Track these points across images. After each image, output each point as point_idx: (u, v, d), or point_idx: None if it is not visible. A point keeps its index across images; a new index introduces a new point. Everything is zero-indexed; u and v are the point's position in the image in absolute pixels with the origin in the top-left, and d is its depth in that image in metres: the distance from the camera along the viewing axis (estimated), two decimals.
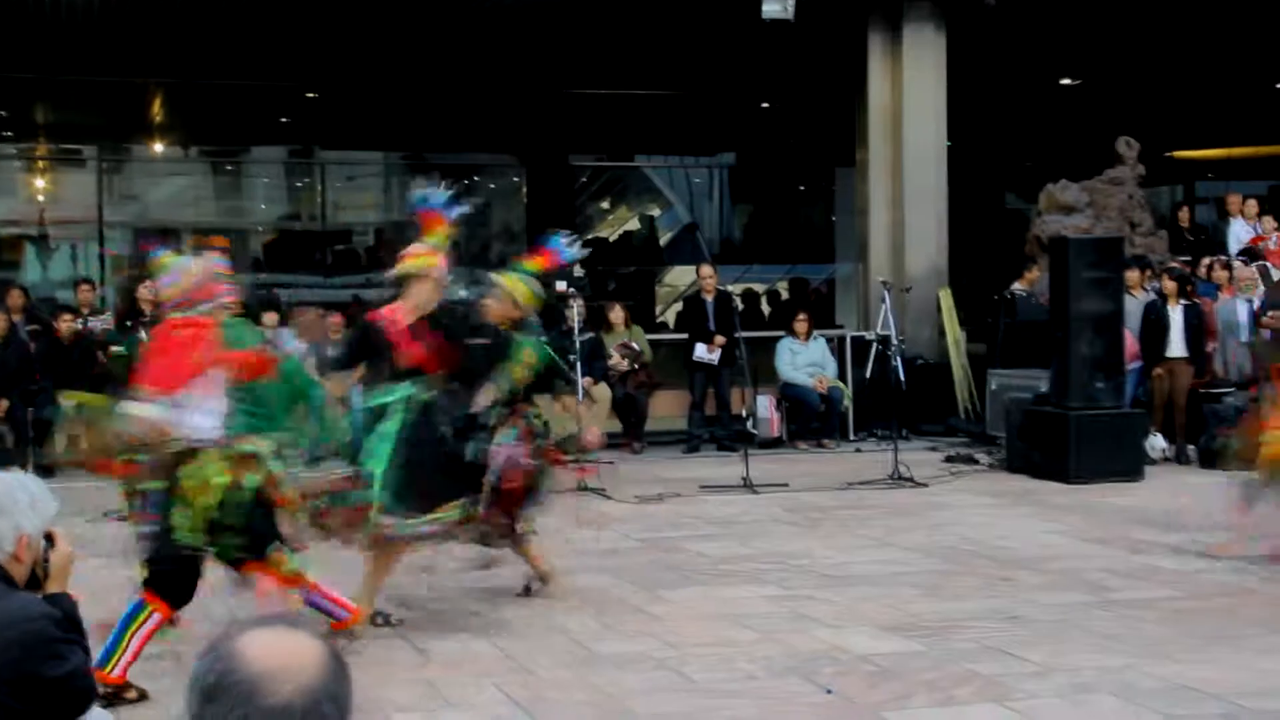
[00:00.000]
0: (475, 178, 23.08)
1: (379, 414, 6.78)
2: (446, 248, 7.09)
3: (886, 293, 12.91)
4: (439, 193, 7.14)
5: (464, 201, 7.43)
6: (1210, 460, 11.17)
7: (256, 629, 1.93)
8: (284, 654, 1.90)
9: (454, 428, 6.90)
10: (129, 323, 11.55)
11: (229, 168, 21.38)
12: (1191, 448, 12.30)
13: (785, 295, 20.30)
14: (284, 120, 20.30)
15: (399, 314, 6.92)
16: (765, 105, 21.09)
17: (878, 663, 6.04)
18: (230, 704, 1.87)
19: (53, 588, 3.54)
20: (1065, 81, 20.24)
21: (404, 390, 6.78)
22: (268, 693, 1.87)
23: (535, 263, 7.72)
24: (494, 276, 7.60)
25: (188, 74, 17.26)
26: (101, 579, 5.86)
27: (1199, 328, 12.66)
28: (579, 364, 11.27)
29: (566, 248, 7.89)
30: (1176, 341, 12.56)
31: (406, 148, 21.31)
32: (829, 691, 5.62)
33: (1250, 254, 14.11)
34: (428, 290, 6.93)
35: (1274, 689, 5.61)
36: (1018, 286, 14.78)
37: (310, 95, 19.11)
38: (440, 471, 6.71)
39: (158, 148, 20.27)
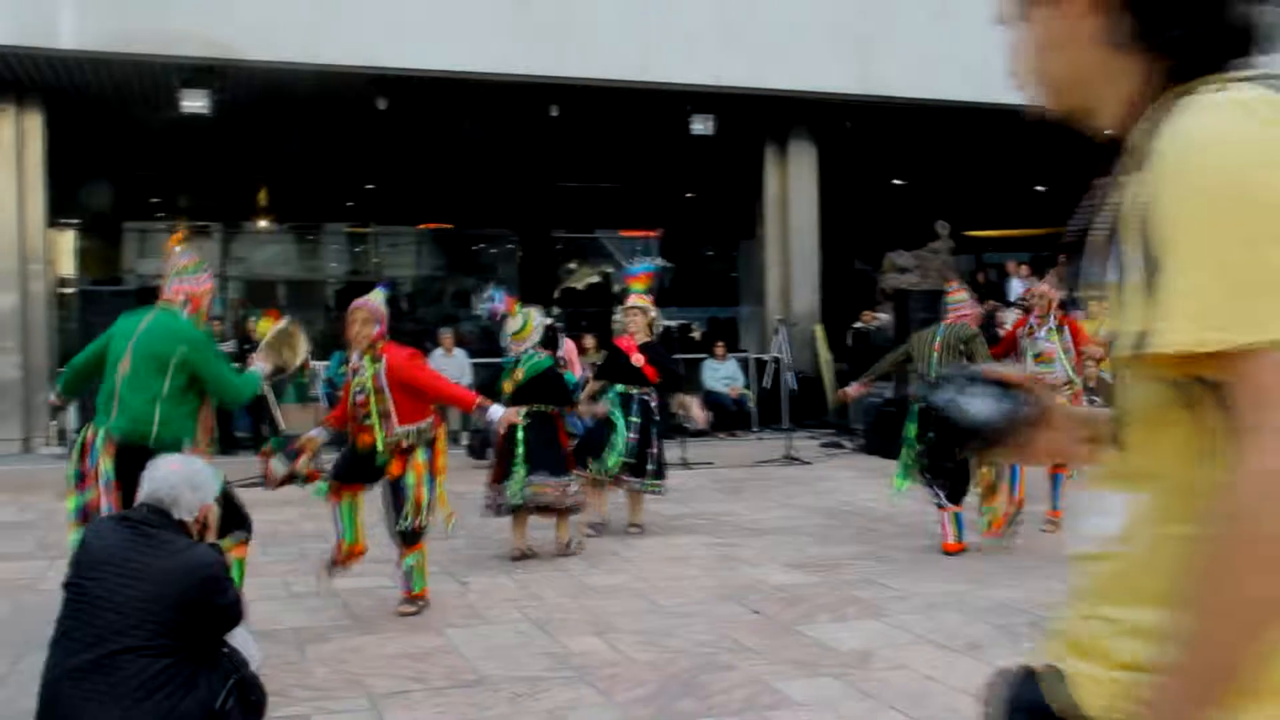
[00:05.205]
0: (482, 244, 22.94)
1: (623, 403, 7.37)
2: (651, 295, 7.60)
3: (783, 328, 12.89)
4: (641, 262, 7.85)
5: (656, 262, 7.90)
6: None
7: None
8: None
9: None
10: (245, 347, 11.33)
11: (309, 237, 21.16)
12: None
13: (705, 329, 20.32)
14: (349, 204, 20.13)
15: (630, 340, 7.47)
16: (689, 195, 21.12)
17: (789, 591, 6.01)
18: None
19: (210, 539, 3.43)
20: (897, 181, 20.45)
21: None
22: None
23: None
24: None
25: (287, 171, 17.05)
26: None
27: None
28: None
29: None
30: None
31: (435, 222, 21.20)
32: (756, 612, 5.59)
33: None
34: (644, 323, 7.43)
35: (1061, 603, 5.62)
36: (859, 325, 14.85)
37: (369, 186, 18.97)
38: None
39: (261, 224, 20.05)
